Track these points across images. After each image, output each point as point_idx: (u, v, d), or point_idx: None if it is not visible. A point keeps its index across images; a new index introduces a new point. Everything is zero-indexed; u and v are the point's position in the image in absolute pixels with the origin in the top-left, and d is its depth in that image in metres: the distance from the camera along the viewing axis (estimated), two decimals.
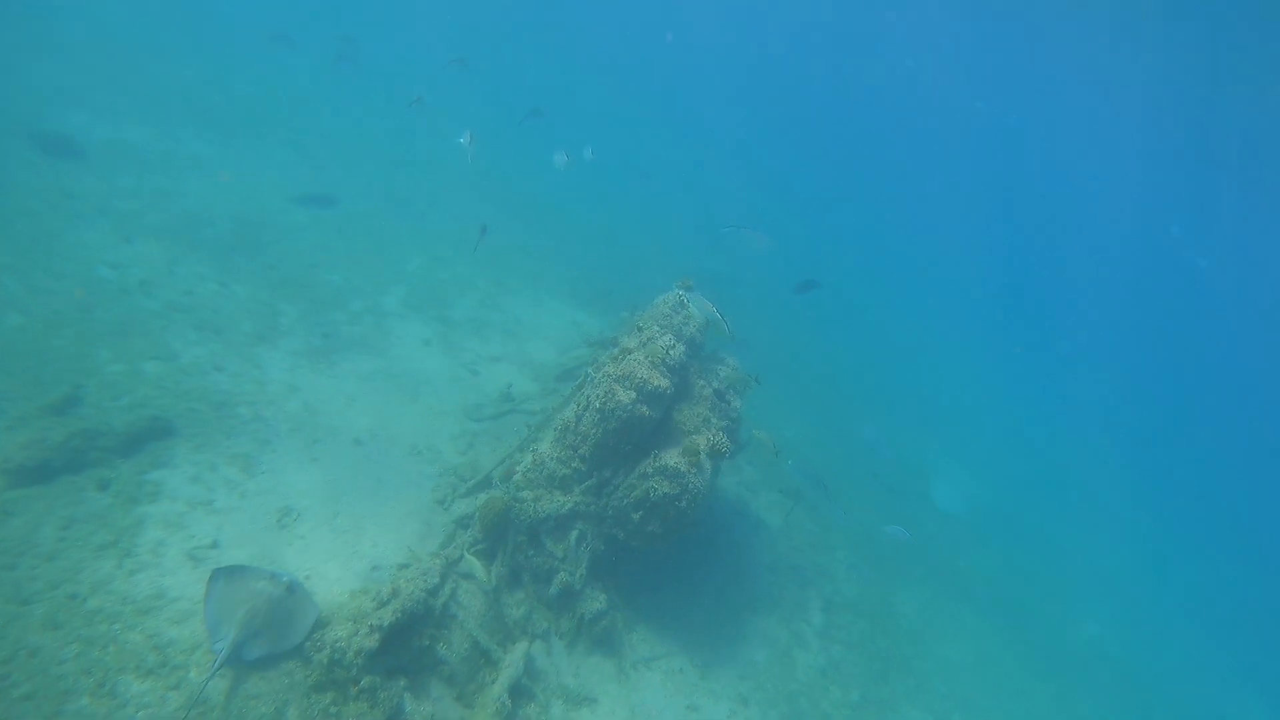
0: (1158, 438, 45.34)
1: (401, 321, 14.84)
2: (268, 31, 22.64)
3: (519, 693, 9.23)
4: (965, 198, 65.53)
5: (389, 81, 28.31)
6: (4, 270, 11.48)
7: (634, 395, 10.22)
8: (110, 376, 10.50)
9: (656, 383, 10.30)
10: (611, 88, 52.77)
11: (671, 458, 10.44)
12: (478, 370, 14.45)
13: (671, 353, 11.07)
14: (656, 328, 11.85)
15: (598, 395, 10.38)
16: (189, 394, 10.73)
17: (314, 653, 8.14)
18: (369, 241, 17.57)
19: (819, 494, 17.30)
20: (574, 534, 10.77)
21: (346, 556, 9.58)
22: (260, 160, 19.42)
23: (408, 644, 8.68)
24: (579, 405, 10.77)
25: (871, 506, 20.26)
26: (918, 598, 17.57)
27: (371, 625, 8.22)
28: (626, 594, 11.37)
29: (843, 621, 14.86)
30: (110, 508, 8.80)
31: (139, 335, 11.40)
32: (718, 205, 32.35)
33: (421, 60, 31.29)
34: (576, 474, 10.82)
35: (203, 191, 16.58)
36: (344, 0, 31.98)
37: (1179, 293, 59.86)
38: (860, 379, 28.30)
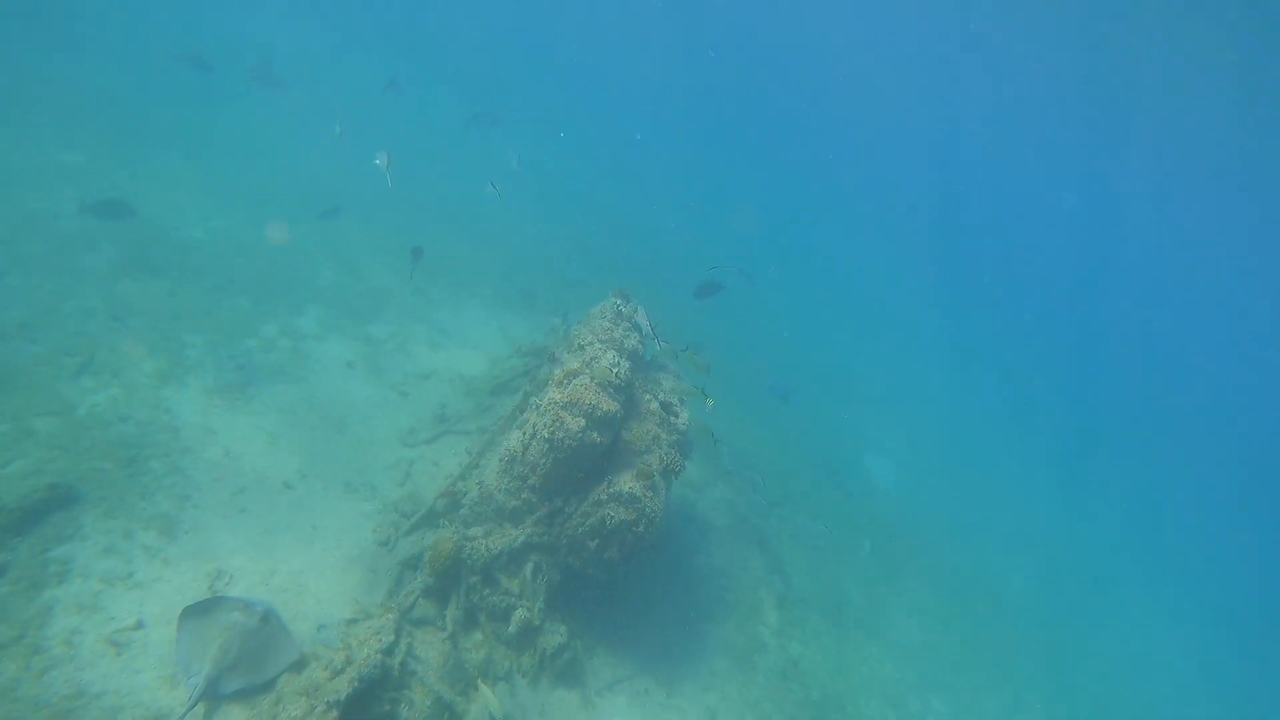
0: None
1: (320, 344, 13.96)
2: (177, 52, 20.68)
3: None
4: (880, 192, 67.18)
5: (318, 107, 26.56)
6: None
7: (583, 422, 9.88)
8: None
9: (606, 407, 9.97)
10: (549, 89, 51.37)
11: (626, 482, 10.18)
12: (406, 391, 13.76)
13: (617, 372, 10.73)
14: (598, 343, 11.48)
15: (544, 424, 9.98)
16: (91, 451, 9.76)
17: None
18: (274, 254, 16.44)
19: (755, 484, 17.36)
20: (529, 567, 10.42)
21: (289, 620, 8.92)
22: (147, 170, 17.86)
23: (367, 712, 8.16)
24: (525, 434, 10.34)
25: (813, 492, 20.57)
26: (864, 579, 17.92)
27: (328, 702, 7.69)
28: (582, 618, 11.13)
29: (796, 618, 15.00)
30: (8, 597, 7.94)
31: (23, 388, 10.30)
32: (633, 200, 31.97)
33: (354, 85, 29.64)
34: (527, 505, 10.45)
35: (80, 201, 15.13)
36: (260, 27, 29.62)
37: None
38: (793, 370, 28.64)
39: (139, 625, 8.16)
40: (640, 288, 13.70)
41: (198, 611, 8.01)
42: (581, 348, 11.26)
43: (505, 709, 9.65)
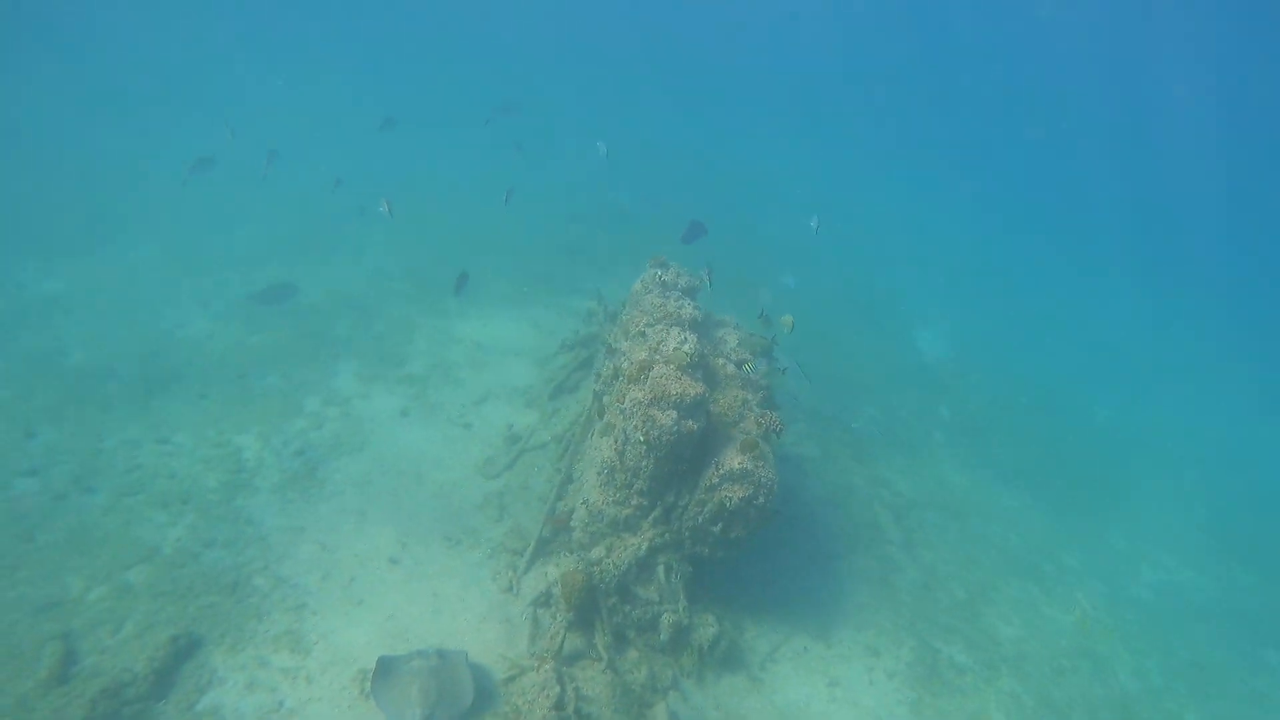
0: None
1: (366, 401, 13.55)
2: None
3: None
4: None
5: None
6: None
7: (674, 414, 9.45)
8: (95, 608, 9.19)
9: (693, 391, 9.54)
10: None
11: (733, 459, 9.80)
12: (469, 422, 13.37)
13: (688, 349, 10.26)
14: (657, 324, 10.95)
15: (636, 426, 9.55)
16: (193, 589, 9.50)
17: None
18: (285, 321, 15.90)
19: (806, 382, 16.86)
20: (660, 569, 10.16)
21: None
22: (125, 277, 17.21)
23: None
24: (616, 440, 9.92)
25: (878, 383, 20.20)
26: (958, 460, 17.69)
27: None
28: (720, 599, 10.88)
29: (915, 523, 14.80)
30: None
31: (102, 544, 10.00)
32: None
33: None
34: (639, 510, 10.12)
35: (80, 334, 14.61)
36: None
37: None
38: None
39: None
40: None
41: (381, 674, 8.47)
42: (642, 333, 10.76)
43: (684, 717, 9.50)
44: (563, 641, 9.53)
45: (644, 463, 9.73)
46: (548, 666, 8.83)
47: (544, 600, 10.26)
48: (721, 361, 11.11)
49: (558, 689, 8.59)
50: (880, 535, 14.15)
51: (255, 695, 8.49)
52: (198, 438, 12.11)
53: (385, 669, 8.55)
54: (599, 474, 10.20)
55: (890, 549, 13.93)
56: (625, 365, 10.55)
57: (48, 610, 9.06)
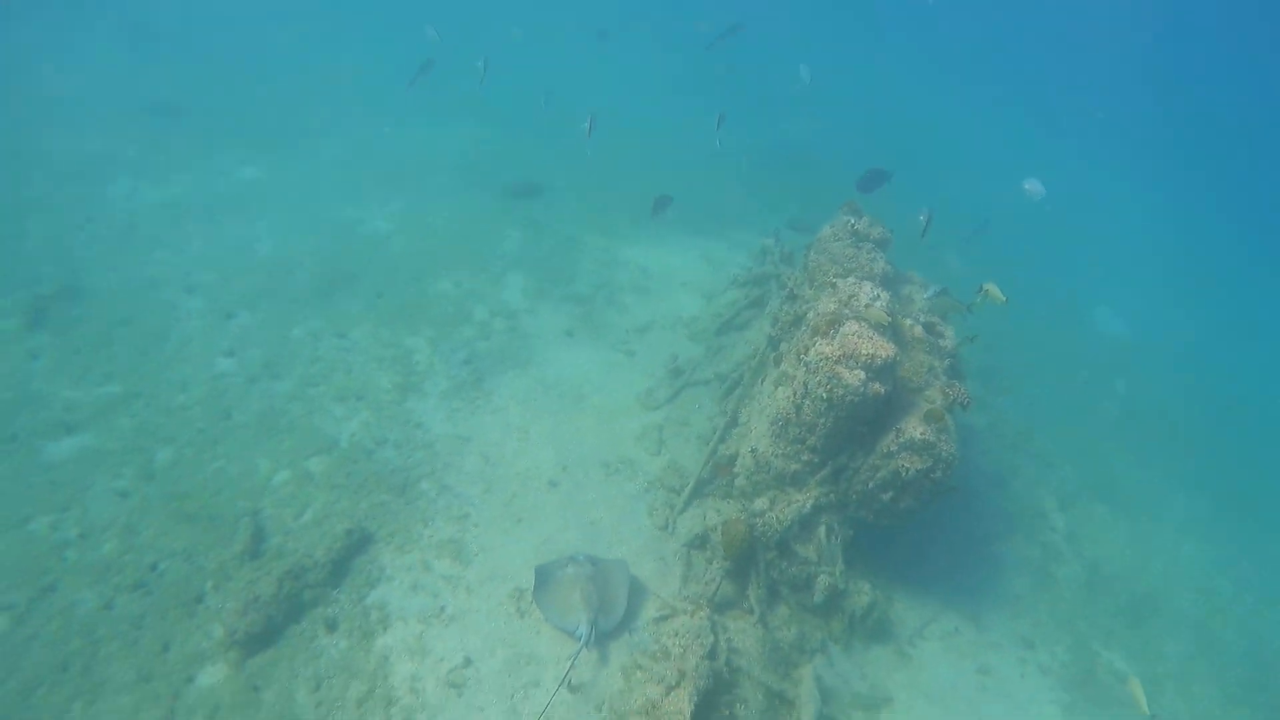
0: None
1: (533, 317, 13.53)
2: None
3: None
4: None
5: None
6: (133, 398, 10.48)
7: (862, 375, 8.82)
8: (281, 491, 9.61)
9: (884, 354, 8.88)
10: None
11: (915, 428, 9.12)
12: (633, 350, 13.14)
13: (880, 305, 9.54)
14: (849, 276, 10.24)
15: (819, 382, 8.99)
16: (366, 485, 9.79)
17: None
18: (459, 227, 16.02)
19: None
20: (821, 530, 9.68)
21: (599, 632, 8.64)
22: (312, 172, 17.74)
23: None
24: (794, 393, 9.40)
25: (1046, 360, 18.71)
26: (1133, 453, 16.23)
27: None
28: (874, 566, 10.35)
29: (1082, 514, 13.70)
30: (349, 652, 8.04)
31: (288, 431, 10.43)
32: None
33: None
34: (808, 466, 9.62)
35: (271, 226, 15.19)
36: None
37: None
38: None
39: (467, 662, 8.15)
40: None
41: (540, 587, 8.69)
42: (832, 284, 10.08)
43: (827, 682, 9.17)
44: (718, 589, 9.31)
45: (821, 420, 9.20)
46: (702, 614, 8.64)
47: (699, 542, 10.06)
48: (909, 322, 10.33)
49: (711, 638, 8.40)
50: (1043, 522, 13.19)
51: (419, 597, 8.71)
52: (373, 336, 12.43)
53: (543, 577, 8.76)
54: (771, 424, 9.74)
55: (1053, 538, 12.96)
56: (811, 315, 9.95)
57: (240, 487, 9.51)
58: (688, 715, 7.46)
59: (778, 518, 9.51)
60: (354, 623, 8.37)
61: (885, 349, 8.96)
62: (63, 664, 7.67)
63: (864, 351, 8.84)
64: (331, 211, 16.34)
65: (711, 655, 8.27)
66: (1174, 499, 15.65)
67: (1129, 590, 12.61)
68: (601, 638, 8.50)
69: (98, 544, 8.80)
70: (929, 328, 10.55)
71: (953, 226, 22.66)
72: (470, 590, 8.90)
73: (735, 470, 10.30)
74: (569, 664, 8.08)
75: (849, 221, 11.23)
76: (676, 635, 8.51)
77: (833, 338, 9.17)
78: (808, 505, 9.57)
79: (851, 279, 10.17)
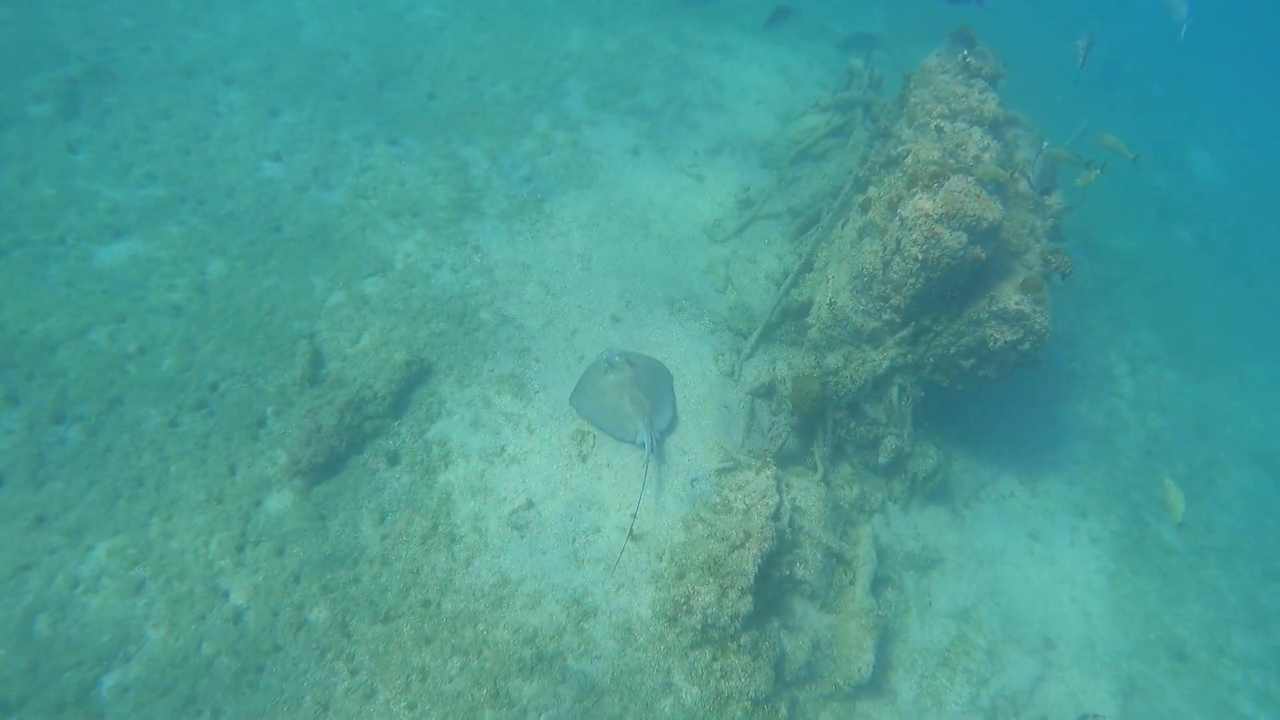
0: None
1: (596, 129, 12.46)
2: None
3: (875, 582, 8.46)
4: None
5: None
6: (179, 202, 9.92)
7: (964, 238, 8.07)
8: (336, 313, 9.27)
9: (991, 216, 8.06)
10: None
11: (1009, 296, 8.47)
12: (701, 174, 12.18)
13: (989, 155, 8.54)
14: (957, 118, 9.08)
15: (914, 241, 8.25)
16: (424, 312, 9.40)
17: (683, 616, 7.40)
18: (517, 20, 14.46)
19: None
20: (894, 390, 9.27)
21: (660, 479, 8.51)
22: None
23: (769, 579, 7.87)
24: (884, 248, 8.64)
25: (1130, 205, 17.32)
26: (1211, 313, 15.36)
27: (740, 588, 7.35)
28: (937, 424, 10.02)
29: (1151, 379, 13.15)
30: (413, 487, 8.02)
31: (341, 247, 9.91)
32: None
33: None
34: (888, 325, 9.09)
35: (316, 8, 13.76)
36: None
37: None
38: None
39: (529, 504, 8.10)
40: None
41: (584, 394, 8.76)
42: (939, 129, 8.97)
43: (882, 540, 9.14)
44: (783, 444, 9.05)
45: (911, 280, 8.48)
46: (768, 473, 8.42)
47: (764, 391, 9.74)
48: (1014, 175, 9.27)
49: (777, 498, 8.22)
50: (1111, 387, 12.65)
51: (480, 434, 8.55)
52: (426, 144, 11.56)
53: (585, 386, 8.76)
54: (853, 278, 9.05)
55: (1119, 404, 12.49)
56: (909, 161, 8.92)
57: (295, 307, 9.14)
58: (751, 576, 7.43)
59: (851, 377, 9.09)
60: (415, 457, 8.29)
61: (993, 210, 8.08)
62: (138, 478, 7.72)
63: (970, 211, 7.98)
64: None
65: (775, 516, 8.12)
66: (1250, 365, 14.96)
67: (1187, 460, 12.29)
68: (658, 437, 8.68)
69: (157, 359, 8.61)
70: (1034, 184, 9.51)
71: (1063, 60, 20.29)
72: (531, 430, 8.70)
73: (809, 320, 9.73)
74: (643, 472, 8.34)
75: (961, 53, 9.80)
76: (740, 490, 8.37)
77: (935, 192, 8.26)
78: (883, 365, 9.11)
79: (960, 123, 9.03)
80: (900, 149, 9.69)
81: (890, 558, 9.10)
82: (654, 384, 9.02)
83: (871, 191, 9.74)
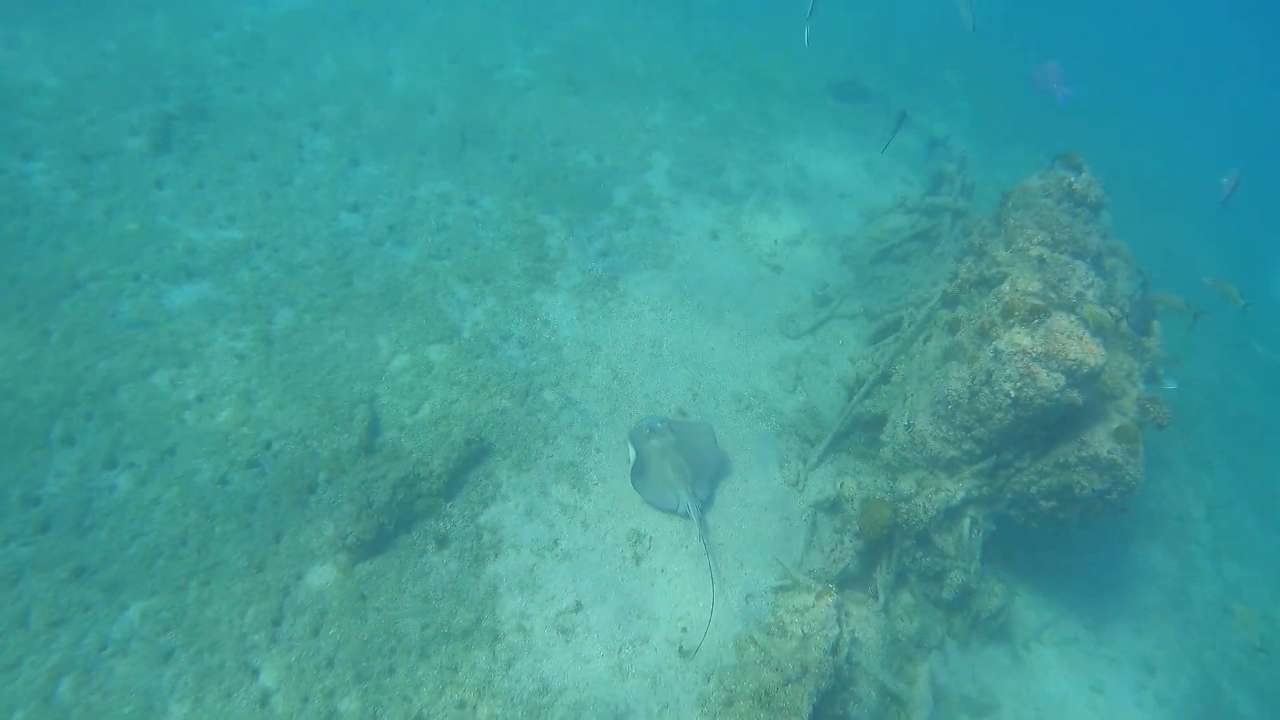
0: None
1: (676, 208, 12.37)
2: None
3: None
4: None
5: None
6: (255, 247, 9.96)
7: (1062, 380, 7.74)
8: (399, 378, 9.15)
9: (1093, 361, 7.76)
10: None
11: (1102, 443, 8.10)
12: (779, 264, 12.00)
13: (1092, 294, 8.24)
14: (1058, 248, 8.80)
15: (1007, 376, 7.92)
16: (488, 386, 9.24)
17: None
18: (603, 87, 14.54)
19: None
20: (966, 522, 8.84)
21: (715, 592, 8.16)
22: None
23: (820, 717, 7.37)
24: (973, 379, 8.30)
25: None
26: None
27: None
28: (1004, 558, 9.58)
29: (1230, 526, 12.44)
30: (459, 574, 7.77)
31: (410, 307, 9.84)
32: None
33: None
34: (967, 455, 8.65)
35: (407, 59, 13.95)
36: None
37: None
38: None
39: (578, 607, 7.81)
40: None
41: (637, 469, 8.59)
42: (1041, 259, 8.66)
43: (939, 680, 8.65)
44: (845, 569, 8.67)
45: (999, 415, 8.14)
46: (829, 600, 8.01)
47: (828, 506, 9.37)
48: (1113, 312, 8.91)
49: (837, 630, 7.82)
50: (1186, 531, 12.04)
51: (533, 525, 8.30)
52: (504, 208, 11.53)
53: (637, 461, 8.63)
54: (935, 403, 8.72)
55: (1194, 550, 11.85)
56: (1006, 288, 8.62)
57: (358, 367, 9.03)
58: (805, 716, 7.01)
59: (924, 506, 8.71)
60: (465, 543, 8.05)
61: (1096, 355, 7.75)
62: (181, 537, 7.58)
63: (1072, 355, 7.66)
64: (469, 44, 14.98)
65: (834, 649, 7.72)
66: None
67: (1271, 623, 11.59)
68: (706, 506, 8.75)
69: (215, 410, 8.53)
70: (1137, 320, 9.15)
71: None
72: (587, 525, 8.43)
73: (883, 438, 9.39)
74: (697, 529, 8.42)
75: (1065, 179, 9.54)
76: (798, 615, 8.00)
77: (1035, 328, 7.97)
78: (958, 496, 8.71)
79: (1064, 255, 8.73)
80: (994, 270, 9.40)
81: (944, 700, 8.61)
82: (696, 451, 8.91)
83: (960, 311, 9.44)
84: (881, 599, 8.69)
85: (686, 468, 8.62)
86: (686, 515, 8.49)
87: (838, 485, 9.39)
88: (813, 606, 8.04)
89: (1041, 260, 8.70)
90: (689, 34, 17.34)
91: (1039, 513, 8.64)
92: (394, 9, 15.38)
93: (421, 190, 11.48)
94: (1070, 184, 9.49)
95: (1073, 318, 7.94)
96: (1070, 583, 10.30)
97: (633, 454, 8.75)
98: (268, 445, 8.36)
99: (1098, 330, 8.11)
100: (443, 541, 8.00)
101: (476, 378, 9.33)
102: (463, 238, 10.91)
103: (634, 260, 11.33)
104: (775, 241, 12.33)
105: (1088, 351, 7.68)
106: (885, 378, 10.11)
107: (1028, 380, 7.76)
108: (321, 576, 7.57)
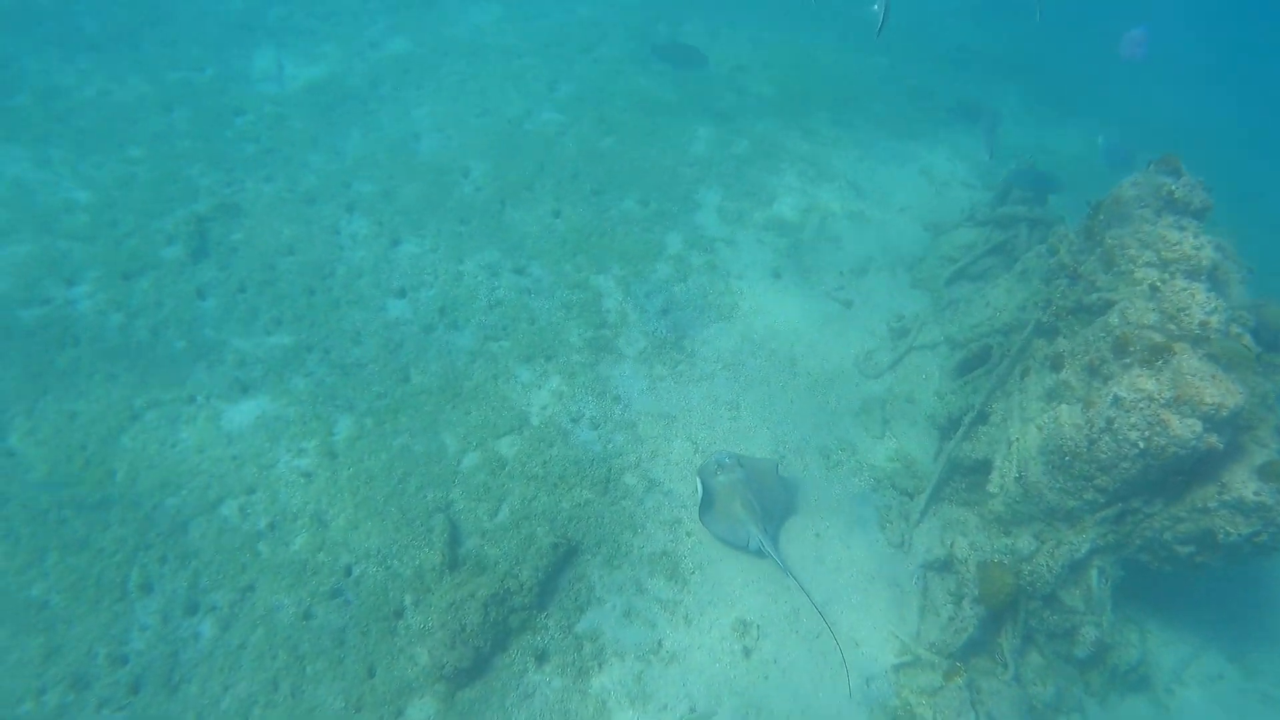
0: None
1: (732, 249, 12.00)
2: None
3: None
4: None
5: None
6: (305, 351, 9.82)
7: (1199, 427, 7.16)
8: (472, 479, 8.93)
9: (1233, 402, 7.14)
10: None
11: (1246, 485, 7.57)
12: (849, 298, 11.53)
13: (1217, 320, 7.66)
14: (1169, 267, 8.20)
15: (1133, 424, 7.41)
16: (566, 478, 8.97)
17: None
18: (637, 121, 14.14)
19: None
20: (1093, 573, 8.33)
21: (832, 676, 7.77)
22: (466, 41, 15.82)
23: None
24: (1090, 425, 7.78)
25: None
26: None
27: None
28: (1134, 600, 9.03)
29: None
30: (564, 693, 7.54)
31: (473, 398, 9.61)
32: None
33: None
34: (1089, 505, 8.12)
35: (433, 120, 13.74)
36: None
37: None
38: None
39: (692, 712, 7.37)
40: None
41: (703, 506, 8.52)
42: (1154, 289, 8.08)
43: None
44: (969, 638, 8.23)
45: (1125, 465, 7.63)
46: (959, 682, 7.62)
47: (937, 566, 8.94)
48: (1236, 331, 8.29)
49: (972, 714, 7.40)
50: None
51: (634, 627, 8.02)
52: (555, 273, 11.23)
53: (705, 499, 8.57)
54: (1048, 451, 8.21)
55: None
56: (1117, 323, 8.06)
57: (429, 473, 8.79)
58: None
59: (1048, 566, 8.27)
60: (566, 656, 7.78)
61: (1234, 395, 7.22)
62: (273, 682, 7.43)
63: (1207, 399, 7.15)
64: (493, 95, 14.69)
65: None
66: None
67: None
68: (776, 542, 8.68)
69: (289, 537, 8.38)
70: (1262, 334, 8.52)
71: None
72: (689, 620, 8.13)
73: (990, 490, 8.91)
74: (779, 564, 8.36)
75: (1164, 185, 8.89)
76: (926, 697, 7.67)
77: (1159, 370, 7.46)
78: (1083, 550, 8.21)
79: (1177, 277, 8.12)
80: (1094, 296, 8.86)
81: None
82: (765, 486, 8.83)
83: (1062, 345, 8.92)
84: (1012, 669, 8.26)
85: (756, 504, 8.55)
86: (759, 552, 8.47)
87: (947, 544, 8.98)
88: (941, 689, 7.71)
89: (1154, 289, 8.12)
90: (713, 49, 16.83)
91: (1174, 557, 8.10)
92: (413, 68, 15.17)
93: (468, 264, 11.23)
94: (1170, 190, 8.86)
95: (1201, 354, 7.39)
96: (1205, 610, 9.73)
97: (700, 489, 8.56)
98: (348, 571, 8.18)
99: (1230, 366, 7.54)
100: (542, 657, 7.75)
101: (553, 469, 9.05)
102: (517, 312, 10.64)
103: (697, 315, 10.97)
104: (840, 273, 11.87)
105: (1225, 392, 7.15)
106: (983, 418, 9.62)
107: (1158, 429, 7.25)
108: (422, 710, 7.38)
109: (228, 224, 11.31)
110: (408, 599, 8.02)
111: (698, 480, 8.67)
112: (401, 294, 10.76)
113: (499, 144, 13.45)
